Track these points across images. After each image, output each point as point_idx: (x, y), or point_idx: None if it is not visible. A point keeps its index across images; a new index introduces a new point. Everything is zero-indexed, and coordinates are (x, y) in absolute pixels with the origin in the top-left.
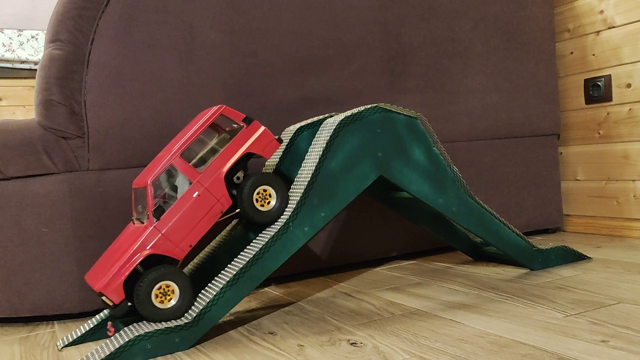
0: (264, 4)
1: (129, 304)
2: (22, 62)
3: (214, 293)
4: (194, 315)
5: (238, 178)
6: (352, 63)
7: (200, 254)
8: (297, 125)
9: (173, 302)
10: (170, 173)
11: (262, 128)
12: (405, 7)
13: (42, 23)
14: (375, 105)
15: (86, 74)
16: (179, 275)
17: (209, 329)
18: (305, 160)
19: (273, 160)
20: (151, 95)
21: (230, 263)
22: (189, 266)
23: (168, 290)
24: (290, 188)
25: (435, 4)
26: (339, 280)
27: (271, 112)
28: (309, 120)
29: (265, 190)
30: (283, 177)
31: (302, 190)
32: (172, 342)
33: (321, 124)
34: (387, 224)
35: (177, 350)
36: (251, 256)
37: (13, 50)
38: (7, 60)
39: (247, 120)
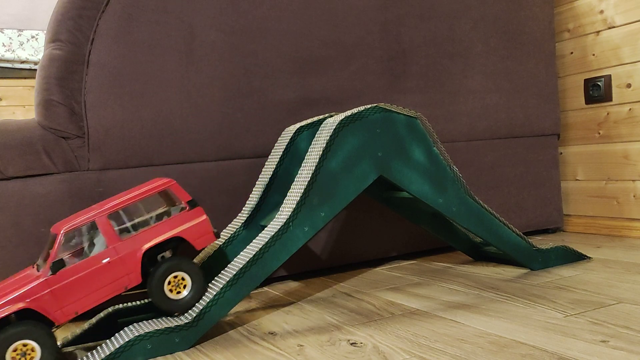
0: (264, 4)
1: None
2: (22, 62)
3: (214, 293)
4: (194, 315)
5: (163, 257)
6: (352, 63)
7: (200, 254)
8: (297, 125)
9: None
10: (93, 230)
11: (203, 217)
12: (405, 7)
13: (42, 23)
14: (375, 105)
15: (86, 74)
16: (42, 334)
17: (209, 329)
18: (305, 160)
19: (273, 160)
20: (151, 95)
21: (230, 263)
22: None
23: (27, 350)
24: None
25: (435, 4)
26: (339, 280)
27: (271, 112)
28: (309, 120)
29: (183, 279)
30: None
31: (302, 190)
32: (172, 342)
33: (321, 124)
34: (387, 224)
35: (177, 350)
36: (251, 256)
37: (13, 50)
38: (7, 60)
39: (192, 204)
